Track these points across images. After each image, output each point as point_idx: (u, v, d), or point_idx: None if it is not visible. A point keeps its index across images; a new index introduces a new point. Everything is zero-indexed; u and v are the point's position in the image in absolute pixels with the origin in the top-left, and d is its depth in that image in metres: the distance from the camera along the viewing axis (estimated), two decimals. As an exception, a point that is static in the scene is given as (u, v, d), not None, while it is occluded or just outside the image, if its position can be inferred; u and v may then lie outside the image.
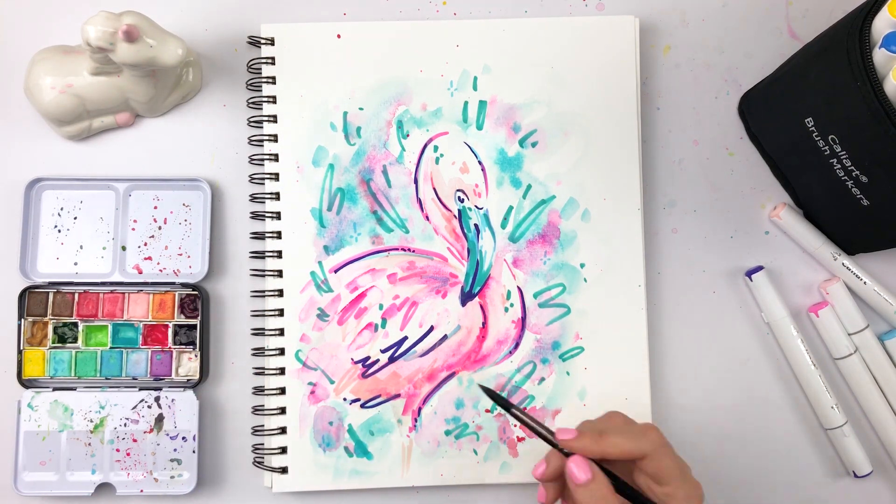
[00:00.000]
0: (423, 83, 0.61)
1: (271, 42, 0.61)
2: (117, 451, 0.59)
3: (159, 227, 0.60)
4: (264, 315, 0.60)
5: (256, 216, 0.61)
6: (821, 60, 0.53)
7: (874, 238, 0.59)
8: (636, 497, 0.49)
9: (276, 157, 0.61)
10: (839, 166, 0.53)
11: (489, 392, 0.52)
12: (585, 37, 0.62)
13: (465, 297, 0.60)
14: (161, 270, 0.60)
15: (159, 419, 0.59)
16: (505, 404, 0.51)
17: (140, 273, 0.60)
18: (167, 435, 0.59)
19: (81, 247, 0.60)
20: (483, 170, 0.61)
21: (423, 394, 0.60)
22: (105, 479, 0.59)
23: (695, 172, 0.63)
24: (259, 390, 0.60)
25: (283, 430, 0.59)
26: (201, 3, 0.62)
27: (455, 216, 0.61)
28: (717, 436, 0.62)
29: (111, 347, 0.60)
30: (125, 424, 0.59)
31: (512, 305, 0.60)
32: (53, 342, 0.60)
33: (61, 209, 0.60)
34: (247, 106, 0.62)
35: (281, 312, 0.60)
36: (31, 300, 0.60)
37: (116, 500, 0.60)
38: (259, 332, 0.61)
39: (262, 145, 0.61)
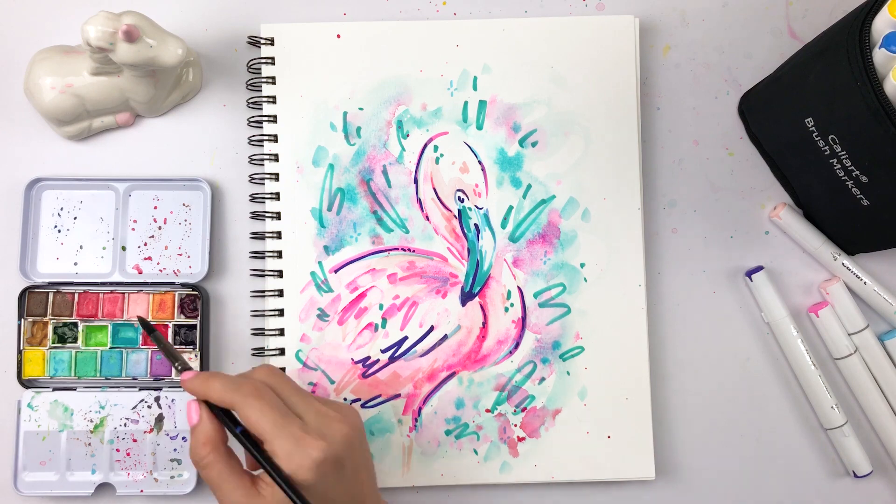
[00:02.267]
0: (423, 83, 0.61)
1: (271, 42, 0.61)
2: (117, 451, 0.59)
3: (159, 227, 0.60)
4: (264, 315, 0.60)
5: (256, 216, 0.61)
6: (821, 60, 0.53)
7: (874, 238, 0.59)
8: (247, 443, 0.48)
9: (276, 158, 0.61)
10: (839, 166, 0.53)
11: (142, 321, 0.54)
12: (585, 37, 0.62)
13: (466, 297, 0.60)
14: (161, 270, 0.60)
15: (159, 419, 0.59)
16: (148, 327, 0.53)
17: (140, 273, 0.60)
18: (167, 435, 0.59)
19: (81, 247, 0.60)
20: (483, 170, 0.61)
21: (423, 394, 0.60)
22: (105, 479, 0.59)
23: (695, 172, 0.63)
24: (259, 390, 0.60)
25: (283, 430, 0.59)
26: (201, 3, 0.62)
27: (455, 216, 0.61)
28: (717, 436, 0.62)
29: (111, 347, 0.60)
30: (125, 424, 0.59)
31: (512, 305, 0.60)
32: (53, 342, 0.60)
33: (61, 209, 0.60)
34: (247, 106, 0.62)
35: (281, 312, 0.60)
36: (31, 300, 0.60)
37: (116, 500, 0.60)
38: (259, 332, 0.61)
39: (262, 145, 0.61)
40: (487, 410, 0.60)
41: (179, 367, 0.52)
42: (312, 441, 0.46)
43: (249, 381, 0.48)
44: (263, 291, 0.60)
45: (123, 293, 0.60)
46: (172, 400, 0.59)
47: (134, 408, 0.60)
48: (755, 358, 0.62)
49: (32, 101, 0.58)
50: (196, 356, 0.60)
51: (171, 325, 0.60)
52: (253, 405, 0.47)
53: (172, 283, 0.60)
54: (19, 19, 0.62)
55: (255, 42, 0.61)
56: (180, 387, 0.60)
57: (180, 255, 0.60)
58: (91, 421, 0.59)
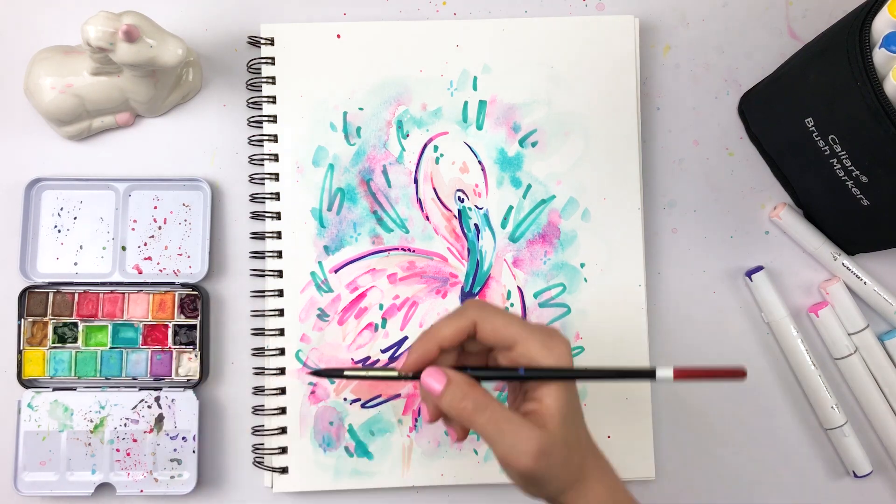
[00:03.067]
0: (423, 83, 0.61)
1: (271, 42, 0.61)
2: (117, 451, 0.59)
3: (159, 227, 0.60)
4: (264, 315, 0.60)
5: (256, 216, 0.61)
6: (821, 60, 0.53)
7: (874, 238, 0.59)
8: (499, 374, 0.47)
9: (275, 157, 0.61)
10: (839, 166, 0.53)
11: (318, 373, 0.50)
12: (585, 37, 0.62)
13: (466, 297, 0.60)
14: (161, 270, 0.60)
15: (159, 419, 0.59)
16: (336, 374, 0.49)
17: (140, 273, 0.60)
18: (167, 435, 0.59)
19: (81, 247, 0.60)
20: (483, 170, 0.61)
21: (423, 394, 0.60)
22: (105, 479, 0.59)
23: (695, 172, 0.63)
24: (259, 390, 0.60)
25: (283, 430, 0.59)
26: (201, 3, 0.62)
27: (455, 216, 0.61)
28: (717, 436, 0.62)
29: (111, 347, 0.60)
30: (125, 424, 0.59)
31: (512, 305, 0.60)
32: (53, 342, 0.60)
33: (61, 209, 0.60)
34: (247, 106, 0.62)
35: (281, 312, 0.60)
36: (31, 300, 0.60)
37: (116, 500, 0.60)
38: (259, 332, 0.61)
39: (262, 145, 0.61)
40: (487, 410, 0.60)
41: (393, 374, 0.48)
42: (550, 328, 0.46)
43: (471, 302, 0.47)
44: (263, 291, 0.60)
45: (123, 293, 0.60)
46: (172, 400, 0.59)
47: (134, 408, 0.60)
48: (755, 358, 0.62)
49: (32, 101, 0.58)
50: (196, 356, 0.60)
51: (171, 325, 0.60)
52: (495, 311, 0.46)
53: (172, 283, 0.60)
54: (19, 19, 0.62)
55: (255, 42, 0.61)
56: (180, 387, 0.60)
57: (180, 255, 0.60)
58: (91, 421, 0.59)
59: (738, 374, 0.44)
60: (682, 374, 0.44)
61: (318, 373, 0.50)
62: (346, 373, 0.49)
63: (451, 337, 0.46)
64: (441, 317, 0.47)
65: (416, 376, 0.46)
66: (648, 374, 0.45)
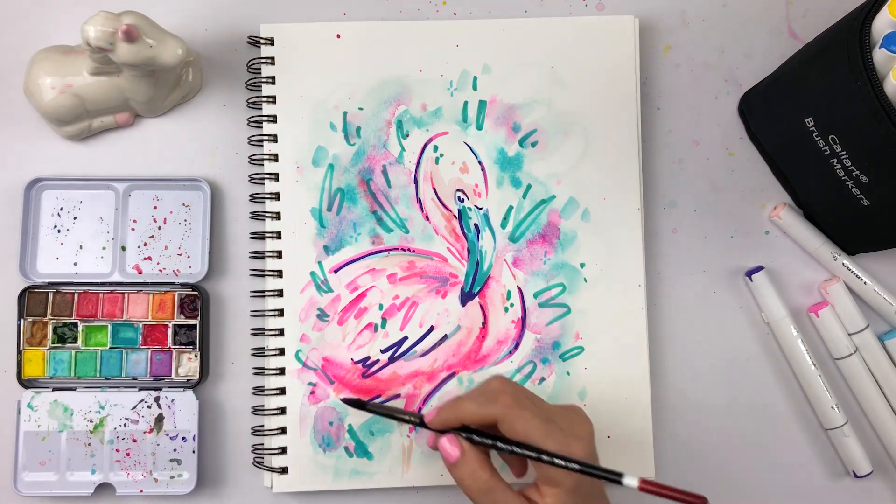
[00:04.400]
0: (422, 83, 0.61)
1: (271, 42, 0.61)
2: (117, 451, 0.59)
3: (159, 227, 0.60)
4: (264, 315, 0.60)
5: (256, 216, 0.61)
6: (821, 60, 0.53)
7: (874, 238, 0.59)
8: (506, 448, 0.48)
9: (275, 157, 0.61)
10: (839, 166, 0.53)
11: (346, 401, 0.56)
12: (585, 37, 0.62)
13: (465, 297, 0.60)
14: (161, 270, 0.60)
15: (159, 419, 0.59)
16: (360, 404, 0.55)
17: (140, 273, 0.60)
18: (167, 435, 0.59)
19: (81, 247, 0.60)
20: (483, 170, 0.61)
21: (423, 394, 0.60)
22: (105, 479, 0.59)
23: (695, 172, 0.63)
24: (259, 390, 0.60)
25: (283, 431, 0.59)
26: (201, 3, 0.62)
27: (455, 216, 0.61)
28: (717, 436, 0.62)
29: (111, 347, 0.60)
30: (125, 424, 0.59)
31: (512, 305, 0.60)
32: (53, 342, 0.60)
33: (61, 209, 0.60)
34: (247, 106, 0.62)
35: (281, 312, 0.60)
36: (30, 300, 0.60)
37: (116, 500, 0.60)
38: (259, 332, 0.61)
39: (261, 145, 0.61)
40: (487, 410, 0.60)
41: (416, 420, 0.53)
42: (574, 441, 0.48)
43: (503, 393, 0.49)
44: (263, 291, 0.60)
45: (123, 293, 0.60)
46: (172, 400, 0.59)
47: (134, 408, 0.60)
48: (755, 358, 0.62)
49: (32, 101, 0.58)
50: (196, 356, 0.60)
51: (170, 325, 0.60)
52: (519, 415, 0.48)
53: (172, 283, 0.60)
54: (19, 19, 0.62)
55: (254, 42, 0.61)
56: (180, 387, 0.60)
57: (180, 255, 0.60)
58: (91, 421, 0.59)
59: (699, 500, 0.44)
60: (647, 489, 0.44)
61: (346, 401, 0.55)
62: (368, 406, 0.55)
63: (473, 421, 0.49)
64: (473, 390, 0.51)
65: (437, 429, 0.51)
66: (616, 477, 0.46)
